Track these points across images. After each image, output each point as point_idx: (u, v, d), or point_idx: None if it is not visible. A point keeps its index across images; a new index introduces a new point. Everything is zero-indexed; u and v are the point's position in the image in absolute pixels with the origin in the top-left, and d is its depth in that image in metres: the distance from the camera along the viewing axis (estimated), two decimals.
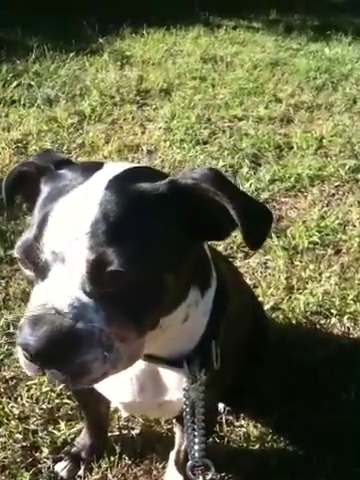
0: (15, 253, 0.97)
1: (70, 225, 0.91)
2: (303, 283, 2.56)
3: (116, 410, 1.93)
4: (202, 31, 5.87)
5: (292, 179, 3.30)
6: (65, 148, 3.48)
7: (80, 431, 1.86)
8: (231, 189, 0.98)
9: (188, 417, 1.22)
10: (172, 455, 1.70)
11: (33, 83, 4.29)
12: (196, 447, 1.24)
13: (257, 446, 1.90)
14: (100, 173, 0.99)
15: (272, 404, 2.00)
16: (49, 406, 1.94)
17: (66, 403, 1.96)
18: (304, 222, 2.95)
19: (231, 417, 1.98)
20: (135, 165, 1.16)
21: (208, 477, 1.25)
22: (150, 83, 4.47)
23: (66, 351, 0.88)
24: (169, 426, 1.92)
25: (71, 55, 4.85)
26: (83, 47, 5.04)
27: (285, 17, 6.71)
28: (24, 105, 3.96)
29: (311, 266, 2.66)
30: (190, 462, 1.26)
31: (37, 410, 1.92)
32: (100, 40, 5.30)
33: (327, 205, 3.14)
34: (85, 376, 0.91)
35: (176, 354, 1.19)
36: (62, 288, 0.91)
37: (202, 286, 1.16)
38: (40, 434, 1.85)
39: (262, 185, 3.23)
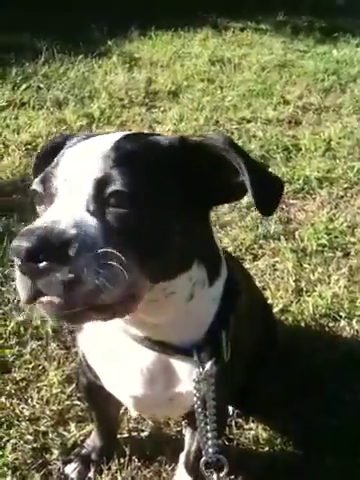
0: (34, 186, 1.03)
1: (83, 156, 0.98)
2: (312, 286, 2.56)
3: (126, 412, 1.94)
4: (210, 33, 5.89)
5: (300, 181, 3.30)
6: None
7: (90, 433, 1.87)
8: (241, 151, 1.00)
9: (199, 410, 1.21)
10: (182, 457, 1.71)
11: (42, 85, 4.32)
12: (210, 442, 1.23)
13: (266, 449, 1.90)
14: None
15: (281, 407, 2.01)
16: (59, 407, 1.95)
17: (76, 405, 1.97)
18: (313, 224, 2.95)
19: (241, 420, 1.99)
20: None
21: (222, 474, 1.24)
22: (158, 85, 4.49)
23: (57, 250, 0.87)
24: (178, 428, 1.92)
25: (80, 57, 4.89)
26: (92, 49, 5.07)
27: (292, 19, 6.72)
28: (33, 107, 3.99)
29: (320, 269, 2.66)
30: (204, 458, 1.24)
31: (47, 412, 1.93)
32: (109, 42, 5.33)
33: (335, 207, 3.14)
34: (77, 286, 0.88)
35: (186, 342, 1.18)
36: (66, 209, 0.93)
37: (209, 268, 1.16)
38: (50, 435, 1.86)
39: None
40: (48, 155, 1.14)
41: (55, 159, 1.04)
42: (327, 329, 2.38)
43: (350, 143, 3.76)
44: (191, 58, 5.17)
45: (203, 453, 1.25)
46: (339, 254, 2.77)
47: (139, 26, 5.69)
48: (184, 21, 5.86)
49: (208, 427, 1.23)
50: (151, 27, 5.67)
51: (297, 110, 4.22)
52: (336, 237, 2.87)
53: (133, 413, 1.48)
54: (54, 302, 0.90)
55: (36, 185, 1.02)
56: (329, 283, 2.58)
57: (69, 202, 0.94)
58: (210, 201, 1.09)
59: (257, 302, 1.79)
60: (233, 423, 1.96)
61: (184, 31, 5.81)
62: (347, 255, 2.78)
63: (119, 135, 1.04)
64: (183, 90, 4.45)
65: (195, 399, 1.21)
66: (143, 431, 1.92)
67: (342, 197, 3.24)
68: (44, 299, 0.91)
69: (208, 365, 1.18)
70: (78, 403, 1.97)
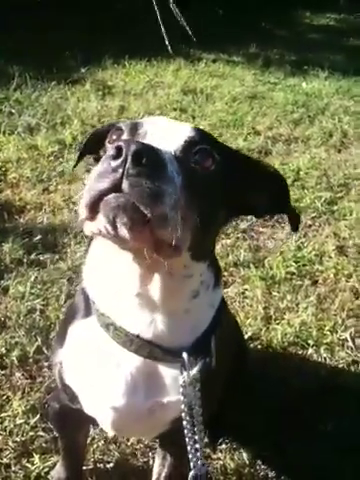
0: (119, 124, 1.10)
1: (174, 122, 1.11)
2: (281, 313, 2.58)
3: (92, 443, 1.90)
4: (182, 64, 6.00)
5: None
6: (45, 176, 3.48)
7: (55, 465, 1.82)
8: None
9: (188, 418, 1.19)
10: None
11: (14, 111, 4.31)
12: (199, 454, 1.20)
13: (234, 479, 1.88)
14: None
15: (250, 436, 2.00)
16: (23, 439, 1.90)
17: (41, 436, 1.92)
18: (281, 252, 2.99)
19: (208, 449, 1.97)
20: None
21: None
22: (131, 113, 4.53)
23: (156, 167, 0.93)
24: (145, 459, 1.89)
25: (53, 84, 4.91)
26: (65, 76, 5.10)
27: (264, 51, 6.90)
28: (4, 132, 3.97)
29: (288, 296, 2.69)
30: (192, 472, 1.20)
31: (10, 443, 1.88)
32: (82, 70, 5.38)
33: (304, 236, 3.19)
34: (158, 203, 0.91)
35: (176, 345, 1.18)
36: (156, 143, 0.99)
37: (214, 274, 1.23)
38: (13, 468, 1.81)
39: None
40: (101, 136, 1.21)
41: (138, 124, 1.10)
42: (295, 357, 2.39)
43: (318, 173, 3.84)
44: (164, 88, 5.24)
45: (191, 465, 1.20)
46: (307, 282, 2.80)
47: (113, 55, 5.76)
48: (157, 51, 5.96)
49: (196, 437, 1.20)
50: (125, 56, 5.75)
51: (267, 140, 4.30)
52: (304, 265, 2.91)
53: (110, 433, 1.41)
54: (129, 208, 0.90)
55: (122, 125, 1.09)
56: (297, 311, 2.60)
57: (161, 143, 1.01)
58: (241, 210, 1.22)
59: (235, 325, 1.85)
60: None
61: (157, 61, 5.90)
62: (315, 283, 2.82)
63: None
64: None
65: (182, 406, 1.18)
66: (109, 462, 1.88)
67: (310, 226, 3.30)
68: (126, 187, 0.91)
69: (195, 370, 1.17)
70: (42, 434, 1.92)
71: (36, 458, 1.84)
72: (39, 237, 2.87)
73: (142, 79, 5.37)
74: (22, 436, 1.91)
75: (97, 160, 1.27)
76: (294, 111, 4.97)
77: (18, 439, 1.89)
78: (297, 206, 3.42)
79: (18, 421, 1.95)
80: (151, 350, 1.18)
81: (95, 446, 1.91)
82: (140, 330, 1.17)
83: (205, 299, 1.20)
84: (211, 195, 1.06)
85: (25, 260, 2.70)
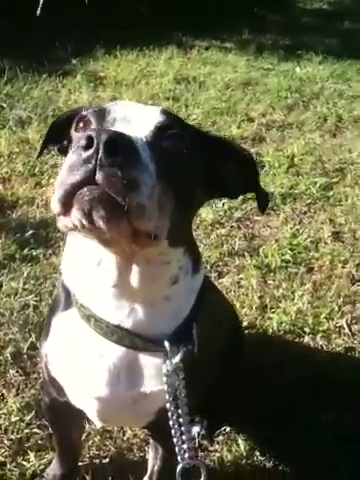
0: (84, 112, 1.07)
1: (141, 106, 1.09)
2: (276, 302, 2.57)
3: (87, 438, 1.89)
4: (175, 52, 5.93)
5: None
6: (37, 170, 3.45)
7: (50, 462, 1.81)
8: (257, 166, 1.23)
9: (172, 408, 1.17)
10: None
11: (5, 105, 4.26)
12: (185, 446, 1.18)
13: (231, 470, 1.87)
14: None
15: (246, 427, 1.99)
16: (18, 436, 1.89)
17: (36, 433, 1.91)
18: (277, 240, 2.97)
19: (205, 442, 1.96)
20: None
21: None
22: None
23: (129, 155, 0.90)
24: (141, 454, 1.88)
25: (44, 76, 4.85)
26: (56, 68, 5.03)
27: (257, 37, 6.82)
28: None
29: (284, 284, 2.67)
30: (180, 465, 1.19)
31: (5, 441, 1.87)
32: (73, 61, 5.31)
33: (299, 223, 3.16)
34: (134, 193, 0.89)
35: (157, 333, 1.17)
36: (126, 130, 0.96)
37: (193, 260, 1.22)
38: (8, 466, 1.80)
39: (235, 204, 3.24)
40: (64, 125, 1.18)
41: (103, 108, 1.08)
42: (292, 345, 2.37)
43: (313, 159, 3.80)
44: (156, 77, 5.17)
45: (179, 458, 1.19)
46: (303, 270, 2.78)
47: (104, 45, 5.69)
48: (149, 40, 5.89)
49: (183, 428, 1.18)
50: (116, 46, 5.68)
51: (261, 127, 4.26)
52: (300, 253, 2.89)
53: (97, 423, 1.42)
54: (105, 199, 0.88)
55: (87, 112, 1.06)
56: (293, 299, 2.59)
57: (131, 129, 0.99)
58: (213, 192, 1.21)
59: (226, 311, 1.83)
60: (197, 445, 1.92)
61: (149, 50, 5.83)
62: (311, 270, 2.80)
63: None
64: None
65: (167, 396, 1.17)
66: (105, 458, 1.87)
67: (305, 213, 3.27)
68: (101, 178, 0.88)
69: (178, 358, 1.16)
70: (38, 431, 1.91)
71: (31, 456, 1.83)
72: (31, 232, 2.84)
73: (134, 69, 5.31)
74: (17, 433, 1.89)
75: (61, 150, 1.26)
76: (288, 97, 4.92)
77: (13, 437, 1.88)
78: (292, 193, 3.41)
79: (13, 418, 1.93)
80: (132, 340, 1.17)
81: (91, 442, 1.90)
82: (120, 320, 1.16)
83: (185, 285, 1.19)
84: (185, 179, 1.05)
85: (18, 256, 2.68)
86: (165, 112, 1.07)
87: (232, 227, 3.06)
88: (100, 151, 0.87)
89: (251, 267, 2.74)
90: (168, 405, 1.18)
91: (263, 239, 3.00)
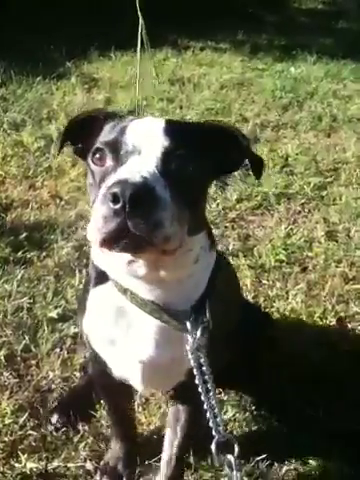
0: (99, 145, 1.19)
1: (147, 129, 1.18)
2: (270, 302, 2.57)
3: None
4: (170, 53, 5.93)
5: (259, 197, 3.33)
6: (31, 172, 3.45)
7: (45, 464, 1.81)
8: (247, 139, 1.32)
9: (198, 378, 1.26)
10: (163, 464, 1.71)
11: None
12: (218, 420, 1.25)
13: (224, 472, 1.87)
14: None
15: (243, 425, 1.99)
16: (11, 439, 1.88)
17: (29, 435, 1.90)
18: (271, 240, 2.97)
19: None
20: None
21: (235, 455, 1.23)
22: (118, 105, 4.49)
23: (150, 202, 1.05)
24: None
25: (38, 79, 4.86)
26: (50, 71, 5.05)
27: (252, 38, 6.83)
28: None
29: (278, 284, 2.67)
30: (216, 438, 1.24)
31: None
32: (67, 64, 5.33)
33: (293, 222, 3.17)
34: (160, 230, 1.05)
35: (181, 307, 1.30)
36: (140, 166, 1.10)
37: (209, 236, 1.37)
38: (1, 469, 1.79)
39: (229, 204, 3.25)
40: (79, 126, 1.31)
41: (118, 128, 1.20)
42: (286, 343, 2.37)
43: (307, 159, 3.81)
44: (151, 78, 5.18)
45: (213, 432, 1.25)
46: (297, 269, 2.79)
47: (98, 47, 5.70)
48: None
49: (213, 402, 1.25)
50: (110, 48, 5.69)
51: (255, 127, 4.27)
52: (294, 252, 2.89)
53: (139, 388, 1.57)
54: (143, 229, 1.04)
55: (104, 145, 1.18)
56: (287, 298, 2.59)
57: (142, 163, 1.11)
58: (218, 172, 1.33)
59: (237, 291, 1.94)
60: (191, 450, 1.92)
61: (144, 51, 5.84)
62: (305, 270, 2.80)
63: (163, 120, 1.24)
64: (143, 110, 4.46)
65: (194, 371, 1.26)
66: None
67: (299, 212, 3.27)
68: (131, 226, 1.04)
69: (199, 332, 1.28)
70: (32, 433, 1.91)
71: (25, 458, 1.83)
72: (25, 234, 2.84)
73: (128, 70, 5.32)
74: (10, 436, 1.89)
75: (77, 153, 1.37)
76: (282, 97, 4.93)
77: (6, 439, 1.88)
78: (286, 192, 3.41)
79: (6, 421, 1.93)
80: (160, 314, 1.30)
81: None
82: (153, 297, 1.29)
83: (204, 261, 1.34)
84: (196, 186, 1.19)
85: (11, 258, 2.68)
86: (168, 131, 1.17)
87: (226, 227, 3.07)
88: (127, 207, 1.02)
89: (245, 267, 2.74)
90: (197, 378, 1.26)
91: (257, 239, 3.00)
